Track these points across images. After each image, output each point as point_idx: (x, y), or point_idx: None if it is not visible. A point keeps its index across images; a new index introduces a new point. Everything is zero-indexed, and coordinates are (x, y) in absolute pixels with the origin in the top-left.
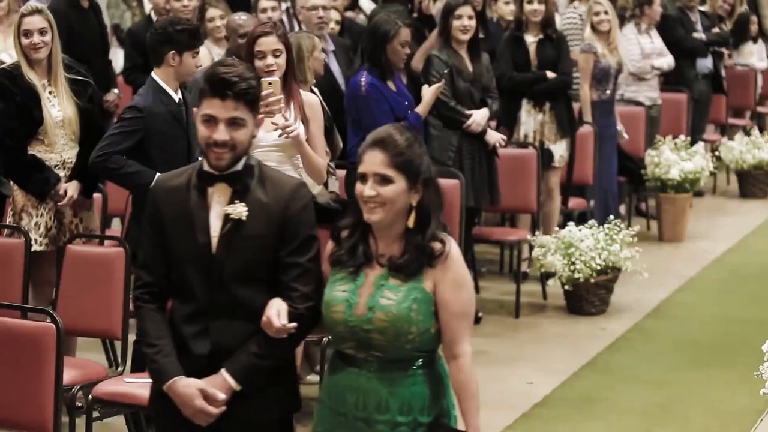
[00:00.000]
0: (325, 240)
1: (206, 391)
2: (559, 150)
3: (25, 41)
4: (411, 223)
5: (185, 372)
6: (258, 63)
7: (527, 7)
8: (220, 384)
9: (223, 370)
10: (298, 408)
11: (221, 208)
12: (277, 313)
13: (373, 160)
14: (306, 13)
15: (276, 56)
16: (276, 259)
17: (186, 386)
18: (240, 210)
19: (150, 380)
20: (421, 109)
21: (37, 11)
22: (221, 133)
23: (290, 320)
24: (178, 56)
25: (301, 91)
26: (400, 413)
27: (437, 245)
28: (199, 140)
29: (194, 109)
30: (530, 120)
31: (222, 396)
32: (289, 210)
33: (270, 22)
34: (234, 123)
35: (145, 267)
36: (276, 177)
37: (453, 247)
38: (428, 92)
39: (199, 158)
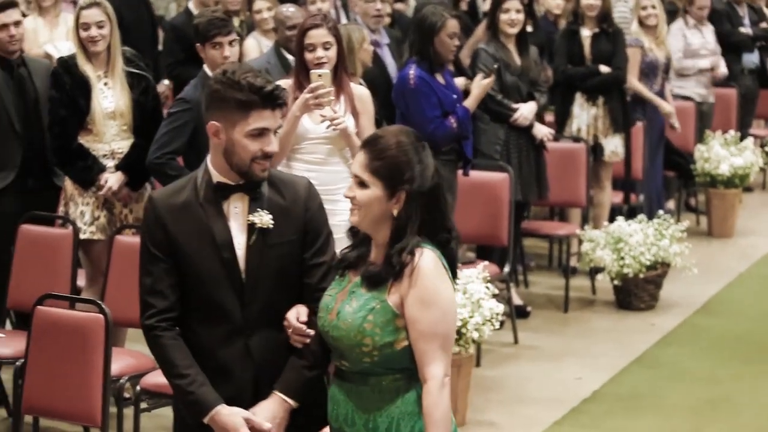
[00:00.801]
0: None
1: (252, 420)
2: (611, 145)
3: (83, 34)
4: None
5: (225, 397)
6: (308, 55)
7: (583, 2)
8: (277, 406)
9: (276, 392)
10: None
11: (243, 219)
12: (296, 313)
13: (357, 160)
14: (363, 5)
15: (326, 49)
16: (301, 261)
17: (230, 415)
18: (266, 218)
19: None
20: (470, 103)
21: (96, 4)
22: (274, 145)
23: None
24: (202, 48)
25: (352, 84)
26: (366, 429)
27: (405, 258)
28: (243, 154)
29: (214, 123)
30: (583, 114)
31: (268, 426)
32: (308, 210)
33: (320, 14)
34: (276, 132)
35: (156, 293)
36: (285, 178)
37: (423, 262)
38: (478, 87)
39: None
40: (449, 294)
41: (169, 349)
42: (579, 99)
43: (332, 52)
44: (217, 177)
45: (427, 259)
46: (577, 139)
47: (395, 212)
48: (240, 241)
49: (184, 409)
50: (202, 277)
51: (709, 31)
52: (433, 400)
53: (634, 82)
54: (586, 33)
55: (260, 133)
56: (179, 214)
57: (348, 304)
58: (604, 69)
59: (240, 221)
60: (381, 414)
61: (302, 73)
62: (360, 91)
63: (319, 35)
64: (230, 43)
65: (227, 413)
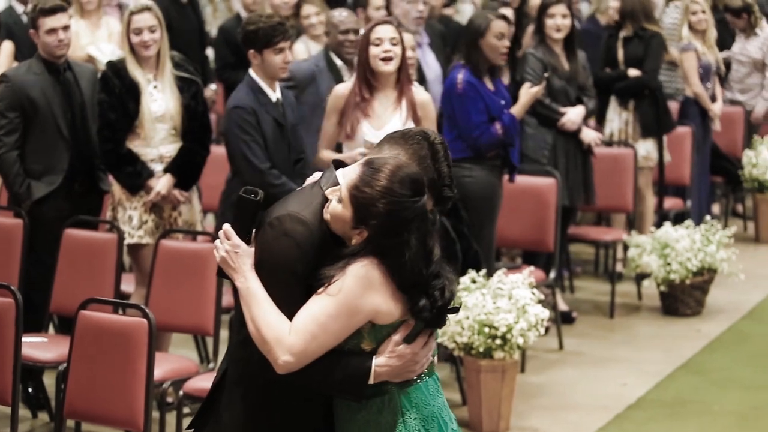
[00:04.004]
0: None
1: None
2: (642, 150)
3: (135, 39)
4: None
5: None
6: (374, 50)
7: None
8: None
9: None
10: None
11: None
12: None
13: (350, 172)
14: (404, 6)
15: (393, 44)
16: None
17: (383, 355)
18: None
19: None
20: (516, 110)
21: (147, 9)
22: None
23: None
24: (258, 54)
25: (414, 90)
26: None
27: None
28: None
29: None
30: (615, 118)
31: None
32: None
33: (388, 17)
34: None
35: None
36: None
37: (356, 265)
38: (526, 94)
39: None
40: (359, 304)
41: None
42: (613, 103)
43: (398, 49)
44: None
45: (361, 264)
46: (609, 143)
47: (353, 241)
48: None
49: (346, 393)
50: None
51: (757, 38)
52: (273, 343)
53: (695, 84)
54: (621, 35)
55: None
56: (327, 239)
57: None
58: (633, 73)
59: None
60: (356, 422)
61: (367, 69)
62: (422, 96)
63: (387, 30)
64: (289, 48)
65: (379, 360)
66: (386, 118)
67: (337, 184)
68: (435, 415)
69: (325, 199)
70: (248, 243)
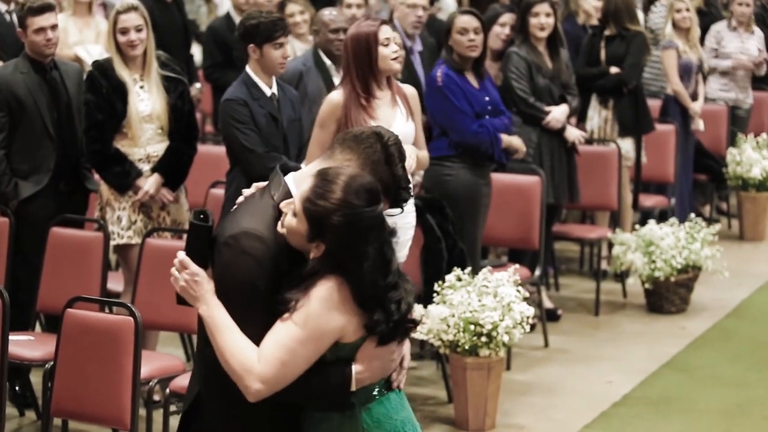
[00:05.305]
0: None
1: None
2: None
3: (122, 39)
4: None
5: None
6: (385, 50)
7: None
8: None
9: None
10: None
11: None
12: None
13: (301, 182)
14: (404, 10)
15: (396, 43)
16: None
17: (361, 361)
18: None
19: None
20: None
21: (133, 8)
22: None
23: None
24: (258, 49)
25: (399, 84)
26: None
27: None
28: None
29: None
30: (595, 115)
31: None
32: None
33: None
34: None
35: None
36: None
37: (317, 289)
38: (514, 142)
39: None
40: (325, 327)
41: None
42: (593, 101)
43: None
44: None
45: (324, 286)
46: (589, 141)
47: (312, 255)
48: None
49: (330, 403)
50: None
51: (754, 37)
52: (242, 372)
53: (675, 82)
54: (605, 34)
55: None
56: (284, 251)
57: None
58: (613, 71)
59: None
60: None
61: (369, 70)
62: (410, 90)
63: (391, 30)
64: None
65: (358, 367)
66: (391, 118)
67: (290, 193)
68: (398, 429)
69: (278, 212)
70: (206, 269)
